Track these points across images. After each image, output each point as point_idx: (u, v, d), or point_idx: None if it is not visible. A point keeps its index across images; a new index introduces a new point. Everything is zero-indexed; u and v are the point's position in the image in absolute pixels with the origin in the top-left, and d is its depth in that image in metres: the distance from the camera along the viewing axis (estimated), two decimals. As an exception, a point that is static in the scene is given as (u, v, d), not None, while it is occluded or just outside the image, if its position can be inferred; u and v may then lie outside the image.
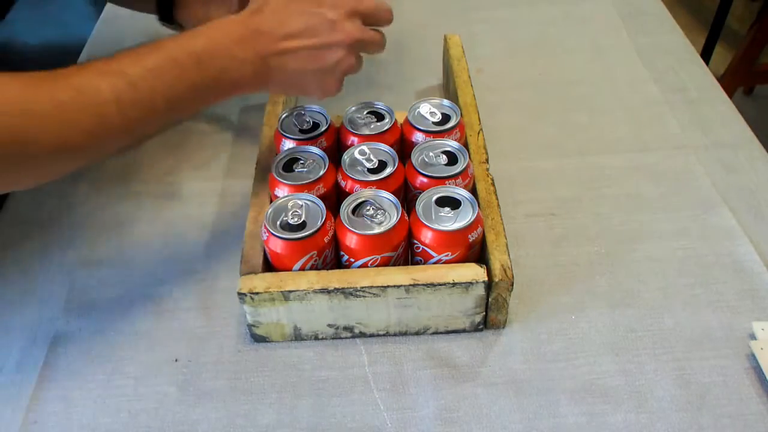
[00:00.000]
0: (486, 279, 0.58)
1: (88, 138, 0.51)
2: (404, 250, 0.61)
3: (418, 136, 0.69)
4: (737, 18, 2.31)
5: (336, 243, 0.61)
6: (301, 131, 0.69)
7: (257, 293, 0.58)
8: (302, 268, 0.60)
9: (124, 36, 0.89)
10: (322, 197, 0.62)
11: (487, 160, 0.69)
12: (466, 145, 0.70)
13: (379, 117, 0.71)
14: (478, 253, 0.62)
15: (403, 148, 0.70)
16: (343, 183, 0.64)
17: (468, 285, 0.58)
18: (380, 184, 0.63)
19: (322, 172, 0.64)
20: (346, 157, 0.66)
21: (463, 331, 0.63)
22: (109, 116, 0.52)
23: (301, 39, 0.54)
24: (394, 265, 0.60)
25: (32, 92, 0.49)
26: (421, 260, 0.61)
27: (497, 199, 0.65)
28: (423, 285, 0.58)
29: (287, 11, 0.56)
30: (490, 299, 0.60)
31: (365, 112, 0.72)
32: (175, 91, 0.55)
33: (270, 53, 0.55)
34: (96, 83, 0.51)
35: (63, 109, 0.50)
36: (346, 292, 0.58)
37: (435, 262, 0.60)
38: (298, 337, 0.63)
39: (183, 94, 0.55)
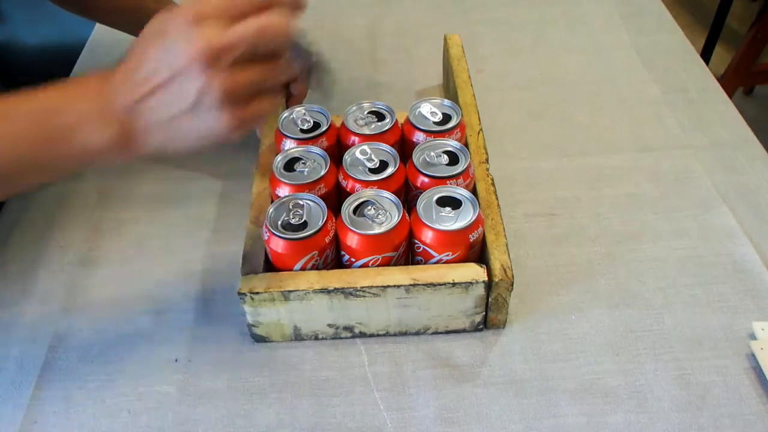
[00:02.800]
0: (486, 279, 0.58)
1: None
2: (405, 250, 0.61)
3: (419, 136, 0.69)
4: (737, 18, 2.31)
5: (337, 243, 0.61)
6: (302, 131, 0.69)
7: (257, 293, 0.58)
8: (303, 268, 0.60)
9: (123, 36, 0.89)
10: (323, 197, 0.62)
11: (487, 160, 0.69)
12: (466, 144, 0.70)
13: (380, 117, 0.71)
14: (478, 253, 0.62)
15: (404, 147, 0.70)
16: (344, 183, 0.64)
17: (468, 285, 0.58)
18: (381, 184, 0.63)
19: (323, 172, 0.64)
20: (347, 156, 0.66)
21: (463, 331, 0.63)
22: None
23: (154, 77, 0.46)
24: (395, 265, 0.60)
25: None
26: (421, 260, 0.61)
27: (497, 199, 0.65)
28: (423, 285, 0.58)
29: (139, 58, 0.48)
30: (490, 299, 0.60)
31: (366, 112, 0.72)
32: (10, 150, 0.49)
33: (129, 105, 0.48)
34: None
35: None
36: (346, 292, 0.58)
37: (435, 262, 0.60)
38: (298, 337, 0.63)
39: (21, 154, 0.49)
